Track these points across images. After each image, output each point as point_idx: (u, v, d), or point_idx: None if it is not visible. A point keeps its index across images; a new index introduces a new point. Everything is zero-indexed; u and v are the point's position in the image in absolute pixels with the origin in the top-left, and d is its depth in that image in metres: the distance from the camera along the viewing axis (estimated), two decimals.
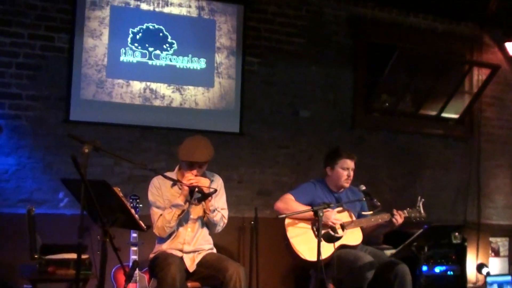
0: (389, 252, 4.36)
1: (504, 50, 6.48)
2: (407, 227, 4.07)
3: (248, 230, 5.17)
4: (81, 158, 2.77)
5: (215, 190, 3.35)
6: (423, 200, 4.07)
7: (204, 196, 3.29)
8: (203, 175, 3.50)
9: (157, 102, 5.05)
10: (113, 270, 4.25)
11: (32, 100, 4.66)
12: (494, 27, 6.42)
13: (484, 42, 6.46)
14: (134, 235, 4.32)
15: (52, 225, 4.43)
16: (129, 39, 4.97)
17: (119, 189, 2.79)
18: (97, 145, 2.82)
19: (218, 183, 3.58)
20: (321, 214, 3.45)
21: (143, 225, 2.88)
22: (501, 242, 6.39)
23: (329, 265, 3.65)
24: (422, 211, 3.99)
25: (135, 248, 4.04)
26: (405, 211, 3.93)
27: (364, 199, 3.91)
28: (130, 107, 4.96)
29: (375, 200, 3.82)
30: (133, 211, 2.83)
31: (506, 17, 6.04)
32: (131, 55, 4.98)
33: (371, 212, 3.97)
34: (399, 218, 3.85)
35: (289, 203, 3.89)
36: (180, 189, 3.45)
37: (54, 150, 4.69)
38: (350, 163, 4.01)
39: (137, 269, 4.25)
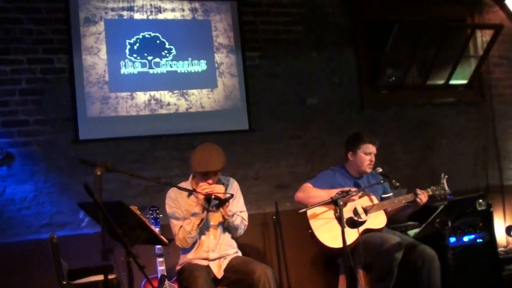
0: (413, 232, 4.31)
1: (505, 8, 6.36)
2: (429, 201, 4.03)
3: (271, 225, 5.15)
4: (94, 180, 2.77)
5: (232, 195, 3.34)
6: (446, 176, 3.99)
7: (222, 202, 3.28)
8: (218, 181, 3.49)
9: (163, 110, 5.03)
10: (143, 284, 4.26)
11: (40, 124, 4.68)
12: None
13: (483, 2, 6.34)
14: (159, 246, 4.34)
15: (76, 246, 4.46)
16: (127, 51, 4.95)
17: (136, 207, 2.80)
18: (108, 166, 2.82)
19: (233, 186, 3.57)
20: (341, 203, 3.43)
21: (165, 239, 2.88)
22: None
23: (355, 251, 3.63)
24: (446, 188, 3.91)
25: (161, 259, 4.05)
26: (428, 190, 3.88)
27: (382, 182, 3.88)
28: (137, 119, 4.95)
29: (394, 180, 3.79)
30: (153, 227, 2.84)
31: None
32: (131, 67, 4.96)
33: (393, 194, 3.93)
34: (423, 197, 3.81)
35: (308, 191, 3.88)
36: (196, 197, 3.44)
37: (68, 172, 4.71)
38: (372, 148, 4.00)
39: (166, 280, 4.28)
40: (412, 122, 5.96)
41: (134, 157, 4.90)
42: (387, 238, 3.66)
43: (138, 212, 2.77)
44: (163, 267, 3.86)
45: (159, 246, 4.31)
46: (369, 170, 4.01)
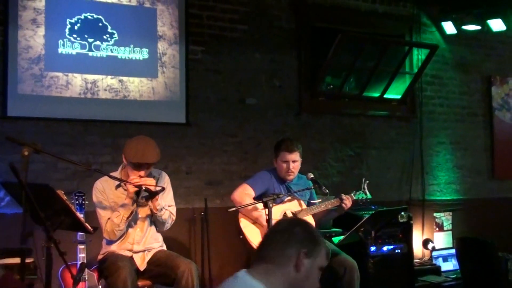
0: (337, 239, 4.43)
1: (440, 29, 6.65)
2: (354, 210, 4.17)
3: (198, 221, 5.14)
4: (21, 160, 2.68)
5: (163, 188, 3.31)
6: (367, 181, 4.18)
7: (152, 195, 3.24)
8: (149, 173, 3.44)
9: (100, 95, 4.91)
10: (60, 269, 4.14)
11: None
12: (430, 7, 6.58)
13: (422, 22, 6.61)
14: (82, 233, 4.23)
15: None
16: (67, 30, 4.79)
17: (62, 192, 2.72)
18: (37, 147, 2.73)
19: (164, 180, 3.53)
20: (271, 205, 3.48)
21: (89, 227, 2.82)
22: (444, 217, 6.63)
23: None
24: (367, 192, 4.09)
25: (82, 247, 3.95)
26: (351, 194, 4.02)
27: (312, 187, 3.96)
28: (71, 101, 4.80)
29: (324, 187, 3.89)
30: (78, 214, 2.76)
31: None
32: (70, 47, 4.81)
33: (320, 200, 4.03)
34: (348, 202, 3.94)
35: (244, 198, 3.88)
36: (125, 190, 3.38)
37: None
38: (289, 156, 3.99)
39: (85, 268, 4.18)
40: (345, 130, 6.12)
41: (65, 140, 4.76)
42: None
43: (64, 197, 2.69)
44: (83, 255, 3.78)
45: (81, 233, 4.22)
46: (288, 178, 4.04)
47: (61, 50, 4.78)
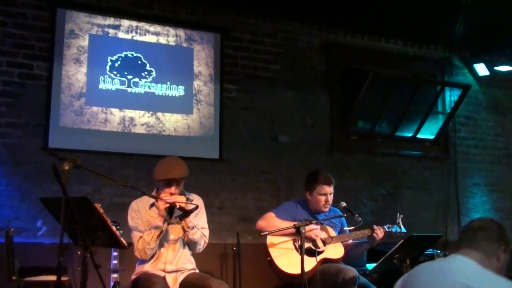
0: (371, 266, 4.34)
1: (473, 71, 6.68)
2: (389, 244, 4.09)
3: (230, 256, 5.13)
4: (61, 175, 2.76)
5: (197, 206, 3.35)
6: (401, 216, 4.09)
7: (186, 214, 3.28)
8: (182, 193, 3.50)
9: (136, 129, 5.06)
10: None
11: (11, 127, 4.65)
12: (462, 50, 6.63)
13: (454, 64, 6.65)
14: (115, 261, 4.24)
15: (30, 254, 4.34)
16: (107, 67, 5.02)
17: (99, 205, 2.78)
18: (77, 162, 2.81)
19: (198, 201, 3.57)
20: (303, 230, 3.46)
21: (124, 242, 2.86)
22: None
23: (312, 281, 3.63)
24: (401, 226, 4.02)
25: (115, 275, 3.98)
26: (384, 227, 3.95)
27: (344, 215, 3.93)
28: (109, 135, 4.97)
29: (356, 215, 3.85)
30: (114, 228, 2.80)
31: (473, 39, 6.25)
32: (110, 83, 5.01)
33: (352, 228, 3.99)
34: (379, 232, 3.87)
35: (270, 220, 3.88)
36: (158, 209, 3.43)
37: (32, 178, 4.66)
38: (327, 189, 3.96)
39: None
40: (378, 170, 6.10)
41: (101, 173, 4.85)
42: (344, 268, 3.69)
43: (102, 211, 2.76)
44: (116, 275, 3.79)
45: (115, 262, 4.24)
46: (325, 210, 4.00)
47: (101, 86, 4.98)
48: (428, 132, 6.35)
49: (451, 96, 6.45)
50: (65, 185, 2.59)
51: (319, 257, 3.77)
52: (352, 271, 3.64)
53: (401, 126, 6.15)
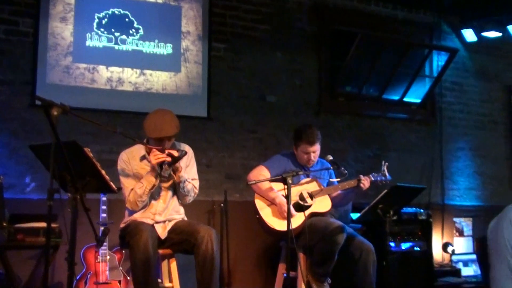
0: (356, 215, 4.41)
1: (461, 37, 6.71)
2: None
3: (217, 213, 5.20)
4: (50, 122, 2.76)
5: (186, 152, 3.38)
6: (387, 164, 4.13)
7: (175, 160, 3.30)
8: (173, 146, 3.52)
9: (124, 87, 5.05)
10: (83, 250, 4.22)
11: None
12: (451, 15, 6.65)
13: (442, 29, 6.68)
14: (104, 215, 4.32)
15: (19, 210, 4.36)
16: (94, 24, 4.97)
17: (89, 149, 2.79)
18: (66, 109, 2.82)
19: (189, 151, 3.59)
20: (290, 181, 3.51)
21: (114, 186, 2.89)
22: (465, 223, 6.58)
23: (300, 234, 3.71)
24: (387, 174, 4.08)
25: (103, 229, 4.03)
26: (370, 176, 4.01)
27: (331, 167, 3.98)
28: (97, 92, 4.95)
29: (342, 168, 3.91)
30: (103, 172, 2.83)
31: (462, 4, 6.27)
32: (97, 40, 4.98)
33: (338, 179, 4.05)
34: (366, 182, 3.92)
35: (259, 178, 3.92)
36: (149, 162, 3.46)
37: (20, 135, 4.65)
38: (310, 148, 3.98)
39: (107, 249, 4.25)
40: (365, 132, 6.17)
41: (89, 130, 4.87)
42: (331, 222, 3.77)
43: (91, 155, 2.77)
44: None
45: (103, 215, 4.31)
46: (308, 166, 4.05)
47: (88, 43, 4.94)
48: (414, 96, 6.41)
49: (438, 61, 6.49)
50: (55, 128, 2.60)
51: (307, 212, 3.84)
52: (340, 225, 3.73)
53: (388, 89, 6.19)
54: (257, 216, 3.95)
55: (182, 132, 4.52)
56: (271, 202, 3.92)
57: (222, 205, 5.09)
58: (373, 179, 3.95)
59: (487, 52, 6.96)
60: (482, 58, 6.96)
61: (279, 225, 3.84)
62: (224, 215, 5.08)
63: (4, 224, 3.32)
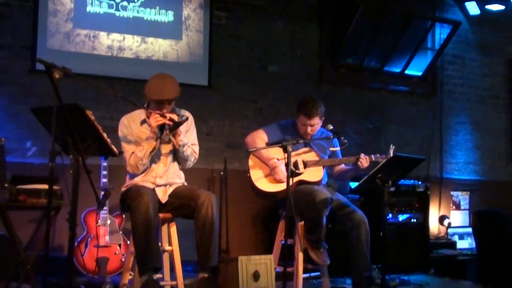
0: (354, 184, 4.43)
1: (464, 10, 6.66)
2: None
3: (217, 181, 5.24)
4: (52, 84, 2.76)
5: (187, 118, 3.39)
6: (394, 147, 4.07)
7: (175, 125, 3.31)
8: (173, 110, 3.53)
9: (125, 54, 5.04)
10: (83, 214, 4.27)
11: None
12: None
13: (445, 1, 6.62)
14: (104, 180, 4.35)
15: (20, 174, 4.39)
16: None
17: (90, 112, 2.80)
18: (68, 71, 2.82)
19: (189, 117, 3.60)
20: (290, 149, 3.51)
21: (115, 149, 2.90)
22: (462, 196, 6.63)
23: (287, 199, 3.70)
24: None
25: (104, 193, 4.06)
26: (372, 156, 3.95)
27: (333, 137, 3.98)
28: (97, 58, 4.94)
29: (343, 138, 3.91)
30: (105, 135, 2.84)
31: None
32: (97, 6, 4.94)
33: (339, 149, 4.06)
34: (364, 162, 3.85)
35: (257, 141, 3.93)
36: (149, 125, 3.47)
37: (20, 100, 4.65)
38: (308, 121, 3.93)
39: (108, 213, 4.29)
40: (366, 104, 6.17)
41: (90, 96, 4.86)
42: (316, 190, 3.70)
43: (93, 118, 2.78)
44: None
45: (104, 180, 4.34)
46: (306, 138, 4.02)
47: (89, 8, 4.91)
48: (416, 69, 6.39)
49: (441, 33, 6.45)
50: (57, 90, 2.61)
51: (296, 179, 3.84)
52: (323, 193, 3.69)
53: (390, 62, 6.17)
54: (248, 175, 3.96)
55: (183, 101, 4.53)
56: (264, 162, 3.92)
57: (222, 173, 5.13)
58: (374, 159, 3.91)
59: (489, 25, 6.92)
60: (484, 31, 6.93)
61: (264, 186, 3.86)
62: (223, 183, 5.12)
63: (6, 185, 3.34)
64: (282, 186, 3.76)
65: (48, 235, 2.73)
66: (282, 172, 3.83)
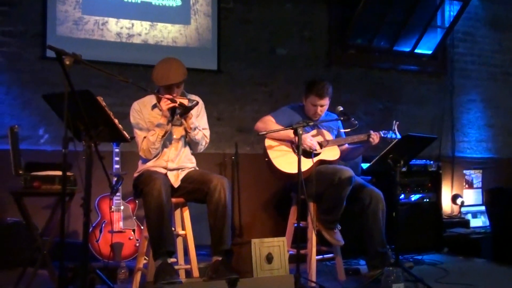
0: (366, 165, 4.45)
1: None
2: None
3: (229, 165, 5.26)
4: (62, 72, 2.78)
5: (197, 103, 3.41)
6: (397, 122, 4.17)
7: (186, 110, 3.33)
8: (182, 95, 3.55)
9: (134, 39, 5.04)
10: (97, 200, 4.32)
11: (8, 36, 4.63)
12: None
13: None
14: (117, 166, 4.39)
15: (34, 160, 4.43)
16: None
17: (102, 98, 2.82)
18: (78, 58, 2.83)
19: (199, 102, 3.62)
20: (300, 132, 3.53)
21: (127, 135, 2.92)
22: (474, 175, 6.60)
23: (308, 182, 3.73)
24: (397, 133, 4.10)
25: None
26: (380, 132, 4.04)
27: (341, 118, 3.98)
28: (107, 44, 4.95)
29: (353, 119, 3.92)
30: (116, 121, 2.86)
31: None
32: None
33: (348, 130, 4.07)
34: (375, 137, 3.96)
35: (268, 124, 3.95)
36: (160, 110, 3.50)
37: (32, 87, 4.69)
38: (318, 101, 3.97)
39: (121, 198, 4.33)
40: (376, 84, 6.14)
41: (100, 82, 4.88)
42: (339, 169, 3.79)
43: (104, 104, 2.80)
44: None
45: (117, 166, 4.38)
46: (314, 119, 4.03)
47: None
48: (426, 47, 6.34)
49: (450, 11, 6.38)
50: (69, 76, 2.62)
51: (316, 158, 3.88)
52: (348, 171, 3.75)
53: (399, 41, 6.12)
54: (266, 159, 3.96)
55: (192, 85, 4.56)
56: (284, 140, 3.93)
57: (233, 157, 5.15)
58: (382, 135, 3.97)
59: (499, 1, 6.83)
60: (494, 7, 6.84)
61: (287, 167, 3.87)
62: (235, 168, 5.14)
63: (20, 171, 3.38)
64: (303, 167, 3.74)
65: (63, 221, 2.77)
66: (311, 138, 3.90)
